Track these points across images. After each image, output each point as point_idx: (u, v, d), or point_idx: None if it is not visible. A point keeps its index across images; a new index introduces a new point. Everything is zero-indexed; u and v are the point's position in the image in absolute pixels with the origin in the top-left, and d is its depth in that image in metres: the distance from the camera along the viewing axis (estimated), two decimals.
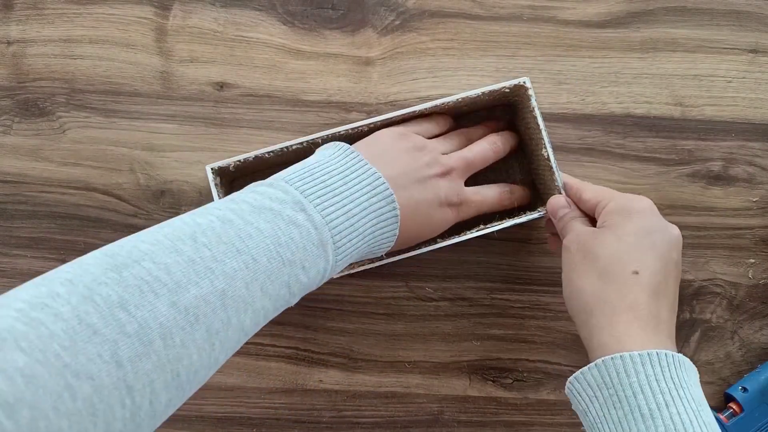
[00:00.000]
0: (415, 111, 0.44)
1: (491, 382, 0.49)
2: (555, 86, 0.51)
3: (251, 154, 0.44)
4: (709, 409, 0.34)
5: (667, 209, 0.50)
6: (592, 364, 0.35)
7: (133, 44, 0.51)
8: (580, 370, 0.36)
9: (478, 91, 0.44)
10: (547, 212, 0.45)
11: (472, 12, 0.51)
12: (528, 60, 0.51)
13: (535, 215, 0.45)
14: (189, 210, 0.49)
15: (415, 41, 0.51)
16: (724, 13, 0.51)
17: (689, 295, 0.50)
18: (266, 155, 0.44)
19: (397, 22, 0.51)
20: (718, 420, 0.47)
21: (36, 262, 0.49)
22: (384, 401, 0.49)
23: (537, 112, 0.44)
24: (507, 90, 0.45)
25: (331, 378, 0.49)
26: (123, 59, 0.50)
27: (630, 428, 0.33)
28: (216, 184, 0.44)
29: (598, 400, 0.35)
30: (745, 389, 0.47)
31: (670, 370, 0.33)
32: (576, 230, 0.41)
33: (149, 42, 0.51)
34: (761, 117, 0.51)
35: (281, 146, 0.44)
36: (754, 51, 0.51)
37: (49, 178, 0.50)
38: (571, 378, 0.37)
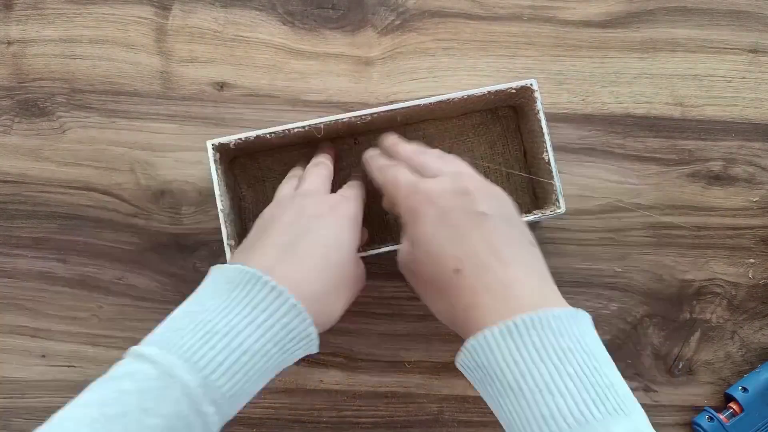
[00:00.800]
0: (419, 104, 0.44)
1: None
2: (555, 86, 0.51)
3: (253, 133, 0.44)
4: (584, 351, 0.32)
5: (667, 209, 0.50)
6: (462, 348, 0.35)
7: (133, 44, 0.51)
8: (458, 352, 0.36)
9: (485, 89, 0.44)
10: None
11: (472, 12, 0.51)
12: (528, 60, 0.51)
13: None
14: (189, 210, 0.49)
15: (415, 41, 0.51)
16: (724, 13, 0.51)
17: (689, 295, 0.50)
18: (268, 136, 0.44)
19: (397, 22, 0.51)
20: (718, 420, 0.47)
21: (36, 262, 0.49)
22: (384, 401, 0.49)
23: (541, 115, 0.44)
24: (513, 91, 0.45)
25: (331, 378, 0.49)
26: (123, 59, 0.50)
27: (504, 404, 0.33)
28: (215, 160, 0.44)
29: (477, 380, 0.35)
30: (745, 389, 0.47)
31: (530, 335, 0.32)
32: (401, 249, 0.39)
33: (149, 42, 0.51)
34: (761, 117, 0.51)
35: (283, 128, 0.44)
36: (754, 51, 0.51)
37: (49, 178, 0.50)
38: (456, 360, 0.37)
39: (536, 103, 0.44)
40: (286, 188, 0.43)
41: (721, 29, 0.51)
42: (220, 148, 0.44)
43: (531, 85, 0.44)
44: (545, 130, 0.44)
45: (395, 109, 0.44)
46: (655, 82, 0.51)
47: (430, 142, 0.50)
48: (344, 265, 0.38)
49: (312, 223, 0.38)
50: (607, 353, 0.34)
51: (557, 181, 0.44)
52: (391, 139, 0.44)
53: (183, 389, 0.31)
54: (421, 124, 0.50)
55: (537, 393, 0.31)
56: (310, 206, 0.39)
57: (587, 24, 0.51)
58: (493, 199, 0.38)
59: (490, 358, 0.33)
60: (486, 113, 0.50)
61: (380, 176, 0.42)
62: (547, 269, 0.36)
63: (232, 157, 0.49)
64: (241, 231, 0.48)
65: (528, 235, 0.38)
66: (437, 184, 0.38)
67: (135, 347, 0.34)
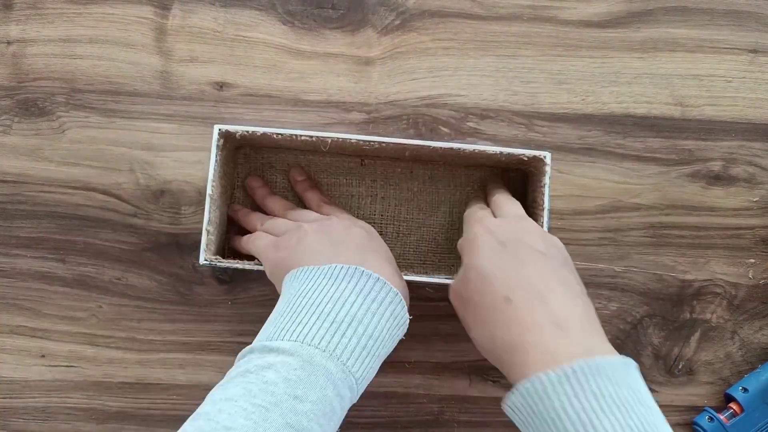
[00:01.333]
0: (430, 146, 0.44)
1: (491, 382, 0.49)
2: (555, 86, 0.51)
3: (260, 129, 0.44)
4: (641, 403, 0.32)
5: (667, 209, 0.50)
6: (513, 390, 0.34)
7: (133, 44, 0.51)
8: (508, 393, 0.34)
9: (498, 149, 0.44)
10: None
11: (472, 12, 0.51)
12: (528, 60, 0.51)
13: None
14: (189, 209, 0.49)
15: (415, 41, 0.51)
16: (724, 13, 0.51)
17: (689, 295, 0.50)
18: (274, 136, 0.44)
19: (397, 22, 0.51)
20: (718, 420, 0.47)
21: (36, 262, 0.49)
22: (384, 401, 0.49)
23: (547, 189, 0.44)
24: (525, 158, 0.45)
25: None
26: (123, 59, 0.50)
27: None
28: (218, 146, 0.44)
29: (526, 424, 0.34)
30: (745, 389, 0.47)
31: (588, 382, 0.31)
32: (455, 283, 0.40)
33: (149, 42, 0.51)
34: (761, 117, 0.51)
35: (290, 132, 0.44)
36: (754, 51, 0.51)
37: (48, 178, 0.50)
38: (504, 402, 0.35)
39: (545, 176, 0.44)
40: (264, 240, 0.43)
41: (721, 29, 0.51)
42: (226, 135, 0.45)
43: (544, 157, 0.44)
44: (546, 205, 0.44)
45: (406, 144, 0.44)
46: (655, 82, 0.51)
47: (435, 184, 0.50)
48: (392, 257, 0.42)
49: (353, 233, 0.41)
50: (655, 404, 0.33)
51: None
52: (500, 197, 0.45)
53: (327, 376, 0.33)
54: (430, 163, 0.50)
55: None
56: (336, 224, 0.42)
57: (587, 24, 0.51)
58: (551, 244, 0.38)
59: (547, 403, 0.32)
60: (495, 170, 0.50)
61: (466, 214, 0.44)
62: (596, 317, 0.36)
63: (237, 146, 0.49)
64: (224, 221, 0.48)
65: (581, 284, 0.38)
66: (502, 219, 0.40)
67: (262, 343, 0.35)
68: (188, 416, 0.33)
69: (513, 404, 0.34)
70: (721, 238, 0.50)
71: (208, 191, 0.44)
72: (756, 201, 0.51)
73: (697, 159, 0.51)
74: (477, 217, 0.41)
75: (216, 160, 0.44)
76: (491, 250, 0.37)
